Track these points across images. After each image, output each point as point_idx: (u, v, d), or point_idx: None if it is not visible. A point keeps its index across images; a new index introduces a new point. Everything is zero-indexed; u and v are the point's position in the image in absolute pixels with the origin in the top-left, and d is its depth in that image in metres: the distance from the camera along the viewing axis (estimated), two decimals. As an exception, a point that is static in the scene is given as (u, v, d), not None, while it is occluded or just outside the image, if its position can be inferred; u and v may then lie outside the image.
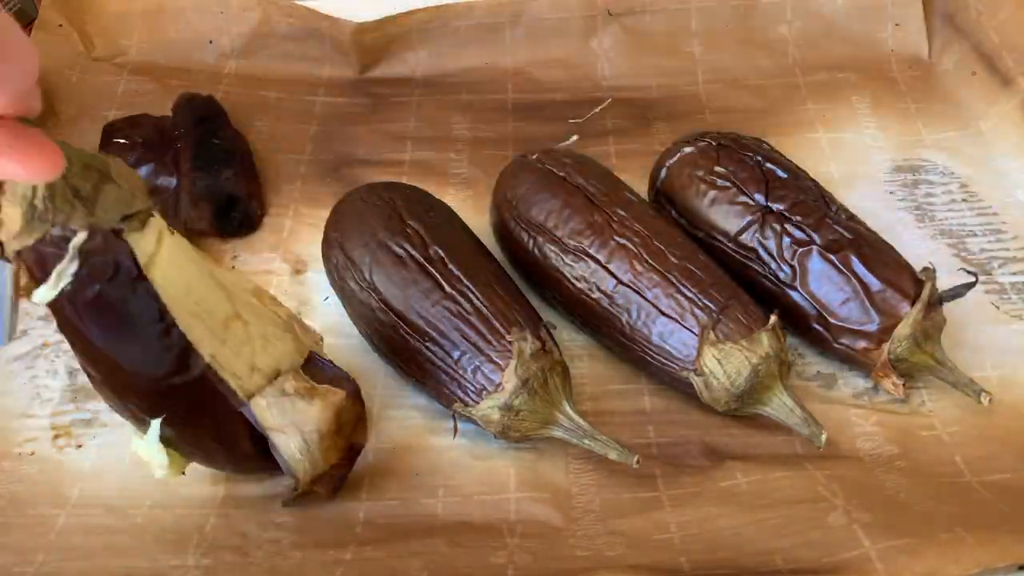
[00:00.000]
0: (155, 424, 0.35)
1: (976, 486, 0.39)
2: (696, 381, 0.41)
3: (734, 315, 0.41)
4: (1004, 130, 0.57)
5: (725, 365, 0.40)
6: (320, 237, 0.47)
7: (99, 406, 0.44)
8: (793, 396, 0.41)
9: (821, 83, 0.62)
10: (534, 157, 0.49)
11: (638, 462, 0.38)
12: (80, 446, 0.43)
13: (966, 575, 0.34)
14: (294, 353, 0.37)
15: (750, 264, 0.45)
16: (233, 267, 0.46)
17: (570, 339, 0.47)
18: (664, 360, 0.42)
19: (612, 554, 0.36)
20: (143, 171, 0.55)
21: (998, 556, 0.34)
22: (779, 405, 0.41)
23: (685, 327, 0.41)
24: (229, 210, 0.53)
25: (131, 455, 0.42)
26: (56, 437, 0.43)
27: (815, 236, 0.44)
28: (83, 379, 0.45)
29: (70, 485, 0.41)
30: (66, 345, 0.47)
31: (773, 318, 0.41)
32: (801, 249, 0.44)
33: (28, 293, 0.33)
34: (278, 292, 0.49)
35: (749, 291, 0.44)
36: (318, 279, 0.50)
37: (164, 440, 0.36)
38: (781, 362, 0.41)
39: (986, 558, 0.34)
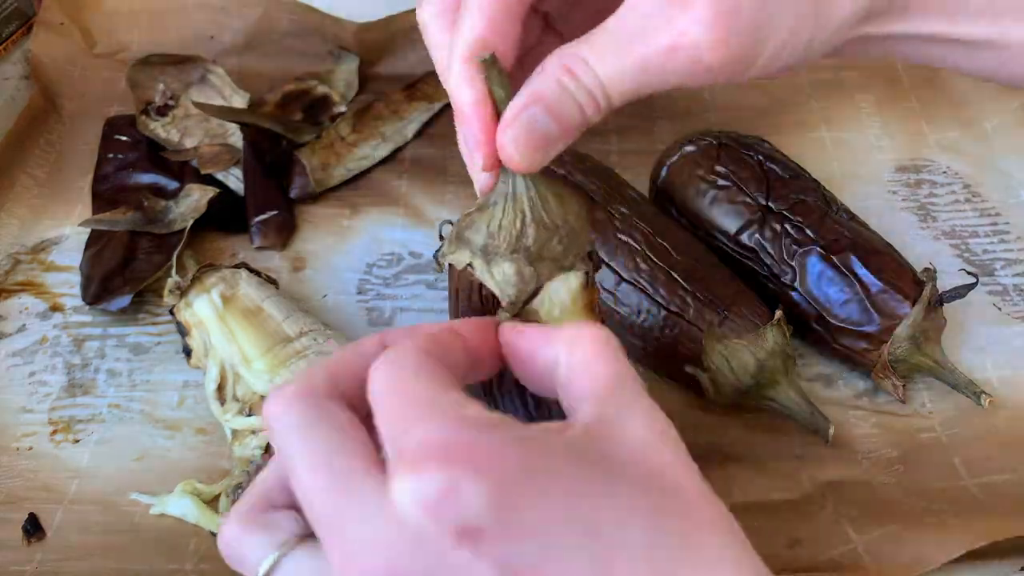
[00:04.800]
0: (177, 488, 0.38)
1: (973, 490, 0.39)
2: (702, 378, 0.41)
3: (739, 311, 0.41)
4: (1008, 130, 0.57)
5: (732, 361, 0.40)
6: (319, 235, 0.47)
7: (97, 401, 0.44)
8: (800, 391, 0.41)
9: (825, 82, 0.61)
10: (534, 155, 0.49)
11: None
12: (77, 441, 0.43)
13: (951, 558, 0.34)
14: None
15: (750, 264, 0.45)
16: (241, 264, 0.46)
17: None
18: (669, 357, 0.42)
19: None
20: (144, 173, 0.55)
21: (982, 536, 0.34)
22: (786, 399, 0.41)
23: (691, 324, 0.41)
24: (230, 208, 0.53)
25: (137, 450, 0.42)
26: (54, 432, 0.43)
27: (815, 236, 0.44)
28: (81, 375, 0.46)
29: (67, 481, 0.41)
30: (65, 340, 0.47)
31: (778, 313, 0.41)
32: (801, 249, 0.44)
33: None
34: (277, 289, 0.49)
35: (748, 291, 0.43)
36: (317, 277, 0.50)
37: None
38: (787, 356, 0.41)
39: (970, 538, 0.34)
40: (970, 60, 0.33)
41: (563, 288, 0.30)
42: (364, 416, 0.24)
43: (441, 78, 0.30)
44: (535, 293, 0.30)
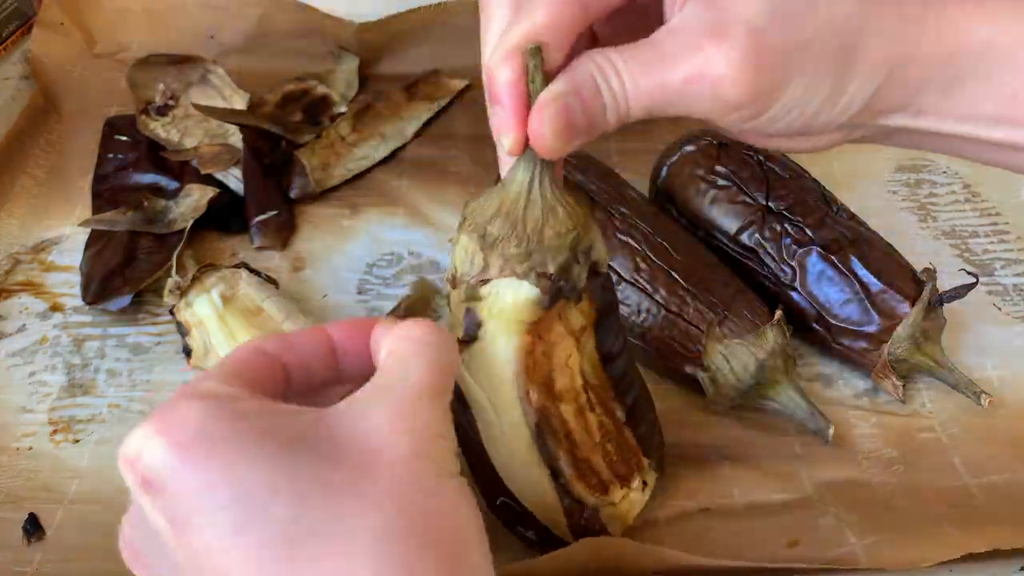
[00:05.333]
0: None
1: (972, 490, 0.39)
2: (702, 378, 0.41)
3: (739, 311, 0.41)
4: (1008, 130, 0.57)
5: (732, 361, 0.40)
6: (319, 235, 0.47)
7: (97, 401, 0.44)
8: (800, 390, 0.41)
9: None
10: (534, 155, 0.49)
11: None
12: (77, 441, 0.43)
13: (947, 559, 0.34)
14: None
15: (750, 264, 0.45)
16: (241, 264, 0.46)
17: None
18: (669, 357, 0.42)
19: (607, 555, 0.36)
20: (144, 173, 0.55)
21: (978, 543, 0.34)
22: (786, 400, 0.41)
23: (691, 324, 0.41)
24: (230, 208, 0.53)
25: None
26: (54, 432, 0.43)
27: (815, 236, 0.44)
28: (81, 375, 0.45)
29: (67, 481, 0.41)
30: (65, 340, 0.47)
31: (778, 313, 0.41)
32: (801, 249, 0.44)
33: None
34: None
35: (748, 291, 0.43)
36: (317, 277, 0.50)
37: None
38: (787, 356, 0.41)
39: (969, 544, 0.34)
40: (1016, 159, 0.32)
41: (510, 292, 0.30)
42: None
43: (483, 53, 0.31)
44: (485, 282, 0.30)
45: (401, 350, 0.27)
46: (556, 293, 0.30)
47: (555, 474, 0.33)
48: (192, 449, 0.23)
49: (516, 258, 0.30)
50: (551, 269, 0.30)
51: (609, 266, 0.43)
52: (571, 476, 0.34)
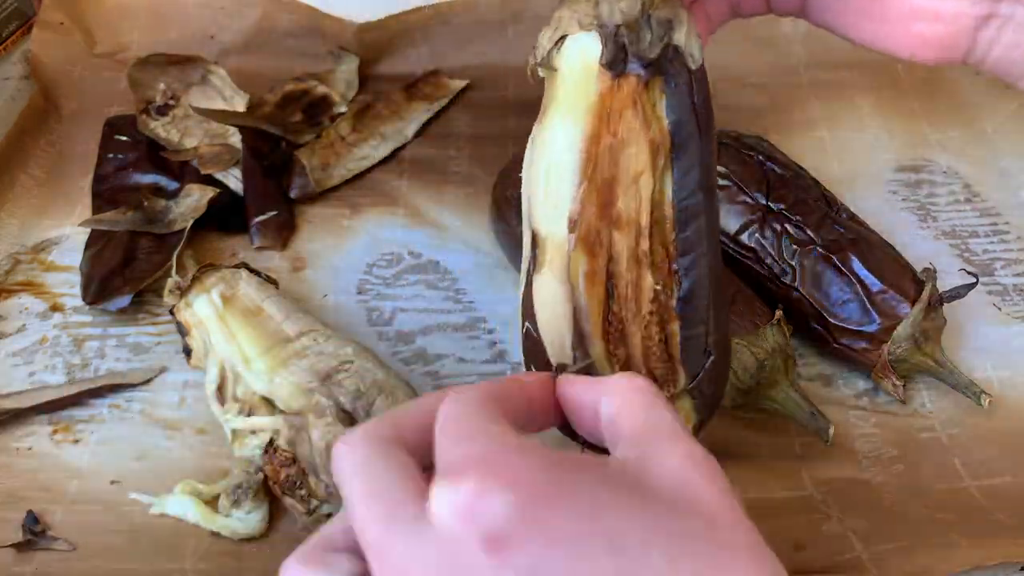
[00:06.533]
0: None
1: (974, 492, 0.39)
2: (702, 378, 0.41)
3: (739, 311, 0.41)
4: (1009, 130, 0.57)
5: (732, 361, 0.40)
6: (319, 235, 0.47)
7: (97, 401, 0.44)
8: (800, 391, 0.41)
9: (825, 82, 0.61)
10: (534, 155, 0.49)
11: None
12: (77, 441, 0.43)
13: (956, 572, 0.34)
14: None
15: (750, 264, 0.45)
16: (241, 264, 0.46)
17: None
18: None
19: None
20: (144, 173, 0.55)
21: (988, 556, 0.34)
22: (786, 399, 0.41)
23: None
24: (230, 208, 0.53)
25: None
26: (54, 432, 0.43)
27: (815, 236, 0.44)
28: (81, 375, 0.45)
29: (67, 481, 0.41)
30: (65, 340, 0.47)
31: (778, 313, 0.41)
32: (801, 249, 0.44)
33: None
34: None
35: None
36: (317, 277, 0.50)
37: None
38: (787, 356, 0.41)
39: (977, 558, 0.34)
40: None
41: (576, 52, 0.28)
42: (424, 465, 0.25)
43: None
44: (558, 44, 0.29)
45: (620, 401, 0.27)
46: (618, 51, 0.27)
47: (576, 315, 0.28)
48: (552, 500, 0.22)
49: (584, 7, 0.28)
50: (617, 19, 0.27)
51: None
52: (592, 329, 0.29)
